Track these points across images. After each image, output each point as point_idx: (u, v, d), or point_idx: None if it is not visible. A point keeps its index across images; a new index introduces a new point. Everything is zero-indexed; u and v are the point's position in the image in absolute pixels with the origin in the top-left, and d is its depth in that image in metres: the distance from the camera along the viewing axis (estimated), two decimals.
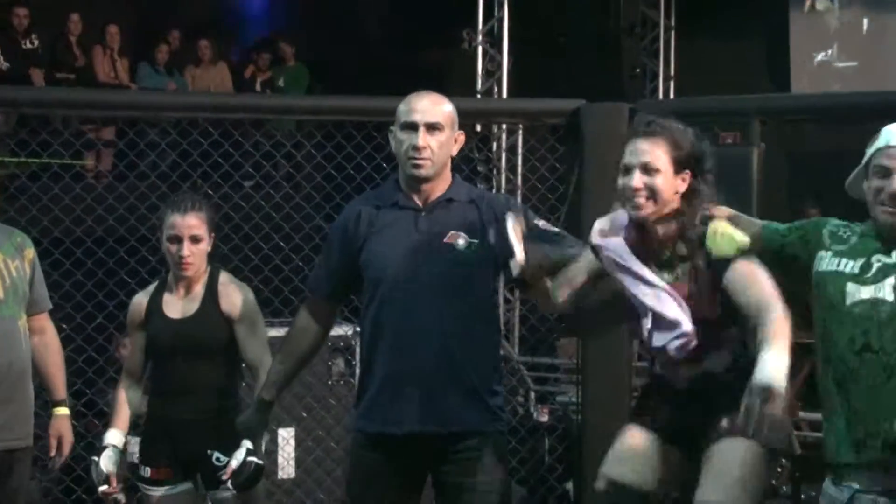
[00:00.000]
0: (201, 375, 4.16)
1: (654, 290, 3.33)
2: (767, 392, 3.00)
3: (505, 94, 10.73)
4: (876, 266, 3.19)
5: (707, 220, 3.33)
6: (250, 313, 4.22)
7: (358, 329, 6.03)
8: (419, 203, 3.66)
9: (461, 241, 3.62)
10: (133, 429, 4.36)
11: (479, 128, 9.66)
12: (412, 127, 3.60)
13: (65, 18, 11.43)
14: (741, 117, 5.11)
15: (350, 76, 11.52)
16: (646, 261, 3.37)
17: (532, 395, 8.66)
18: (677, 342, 3.32)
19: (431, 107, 3.63)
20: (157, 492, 4.20)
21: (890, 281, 3.15)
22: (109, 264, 5.86)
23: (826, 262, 3.26)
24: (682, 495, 3.53)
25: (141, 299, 4.30)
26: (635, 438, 3.45)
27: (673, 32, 11.49)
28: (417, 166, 3.60)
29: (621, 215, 3.42)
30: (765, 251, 3.36)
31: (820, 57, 10.78)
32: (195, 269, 4.18)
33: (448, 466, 3.64)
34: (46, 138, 6.59)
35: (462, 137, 3.72)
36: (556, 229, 3.73)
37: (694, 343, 3.31)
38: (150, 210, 4.29)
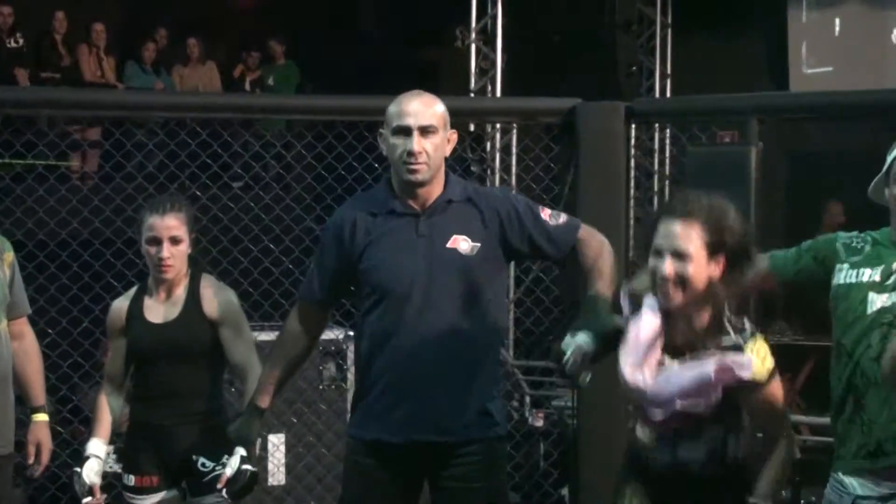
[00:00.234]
0: (185, 380, 4.15)
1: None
2: None
3: (499, 93, 10.72)
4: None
5: (739, 330, 3.20)
6: (234, 316, 4.21)
7: (350, 333, 6.09)
8: (417, 207, 3.64)
9: (464, 245, 3.61)
10: (113, 438, 4.32)
11: (472, 127, 9.67)
12: (405, 131, 3.58)
13: (50, 17, 11.42)
14: (739, 116, 5.11)
15: (341, 75, 11.50)
16: (672, 351, 3.26)
17: (527, 399, 8.65)
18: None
19: (424, 109, 3.60)
20: (144, 500, 4.18)
21: None
22: (95, 267, 5.86)
23: (845, 274, 3.30)
24: None
25: (121, 304, 4.27)
26: None
27: (669, 30, 11.48)
28: (414, 171, 3.58)
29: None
30: (781, 281, 3.40)
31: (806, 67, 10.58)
32: (175, 272, 4.16)
33: (447, 472, 3.64)
34: (31, 139, 6.58)
35: (455, 137, 3.71)
36: (564, 219, 3.71)
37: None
38: (137, 212, 4.27)
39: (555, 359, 3.40)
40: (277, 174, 8.78)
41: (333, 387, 6.15)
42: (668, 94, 11.38)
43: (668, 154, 10.51)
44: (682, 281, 3.16)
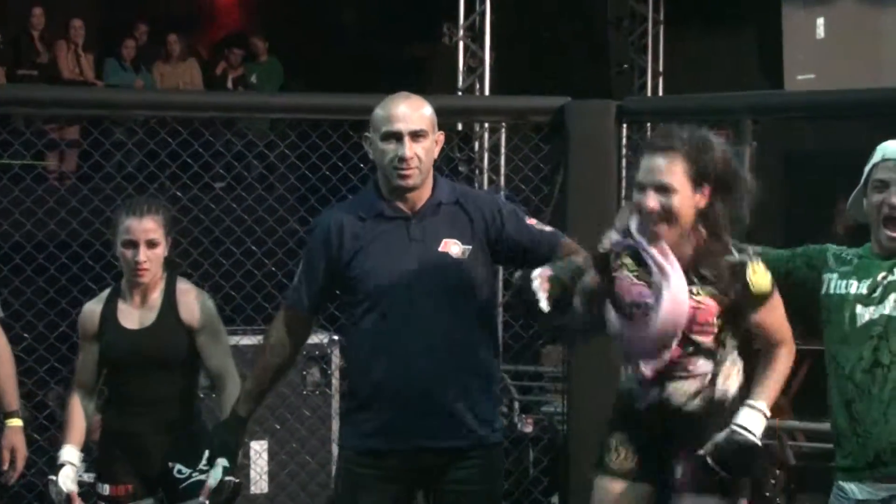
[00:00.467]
0: (161, 387, 4.14)
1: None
2: (747, 451, 3.22)
3: (487, 92, 10.72)
4: (882, 285, 3.31)
5: (742, 249, 3.31)
6: (211, 321, 4.20)
7: (335, 337, 6.08)
8: (407, 211, 3.65)
9: (455, 249, 3.63)
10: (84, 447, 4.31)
11: (460, 126, 9.66)
12: (396, 137, 3.58)
13: (27, 12, 11.41)
14: (733, 115, 5.12)
15: (325, 72, 11.49)
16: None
17: (516, 405, 8.66)
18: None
19: (412, 112, 3.60)
20: None
21: (894, 296, 3.29)
22: (73, 270, 5.84)
23: (834, 283, 3.39)
24: None
25: (93, 308, 4.25)
26: (610, 495, 3.47)
27: (662, 27, 11.50)
28: (406, 177, 3.59)
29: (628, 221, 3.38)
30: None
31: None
32: (151, 276, 4.15)
33: (444, 479, 3.66)
34: (7, 138, 6.56)
35: (442, 138, 3.72)
36: (548, 228, 3.75)
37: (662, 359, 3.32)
38: (113, 213, 4.25)
39: (522, 296, 3.38)
40: (260, 174, 8.78)
41: (317, 392, 6.15)
42: (661, 93, 11.39)
43: None
44: (667, 214, 3.24)
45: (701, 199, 3.27)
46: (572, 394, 5.01)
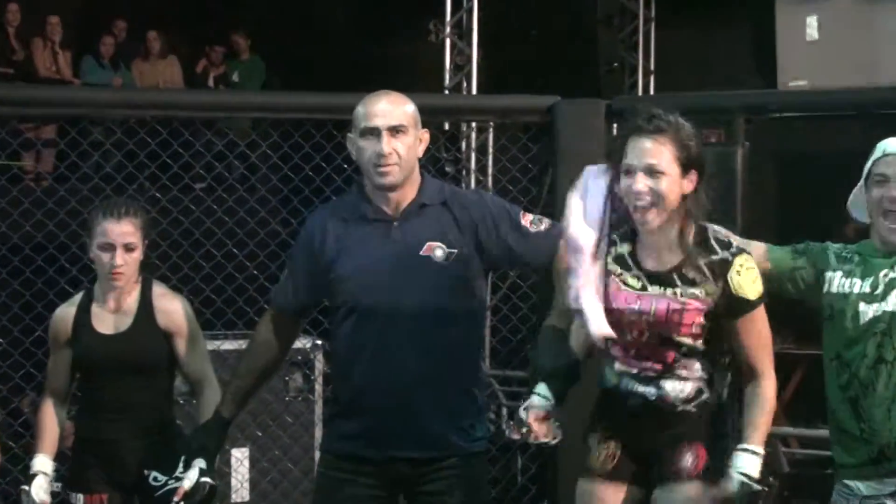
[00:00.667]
0: (136, 393, 4.14)
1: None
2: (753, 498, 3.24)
3: (474, 90, 10.72)
4: (884, 282, 3.37)
5: (726, 245, 3.33)
6: (189, 326, 4.20)
7: (318, 342, 6.08)
8: (390, 212, 3.64)
9: (439, 252, 3.62)
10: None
11: (446, 126, 9.65)
12: (374, 133, 3.58)
13: (2, 9, 11.39)
14: (725, 115, 5.13)
15: (308, 71, 11.49)
16: (649, 278, 3.37)
17: (504, 411, 8.65)
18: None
19: (392, 108, 3.60)
20: None
21: None
22: (49, 273, 5.82)
23: (837, 282, 3.44)
24: None
25: (66, 312, 4.24)
26: (593, 498, 3.49)
27: (653, 24, 11.50)
28: (385, 174, 3.58)
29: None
30: (773, 273, 3.48)
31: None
32: (127, 280, 4.14)
33: (425, 489, 3.66)
34: None
35: (427, 136, 3.71)
36: (544, 226, 3.72)
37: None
38: (88, 214, 4.24)
39: (518, 432, 3.44)
40: (242, 175, 8.78)
41: (300, 398, 6.14)
42: (652, 92, 11.39)
43: None
44: (656, 197, 3.26)
45: (688, 184, 3.31)
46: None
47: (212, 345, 5.50)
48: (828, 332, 3.45)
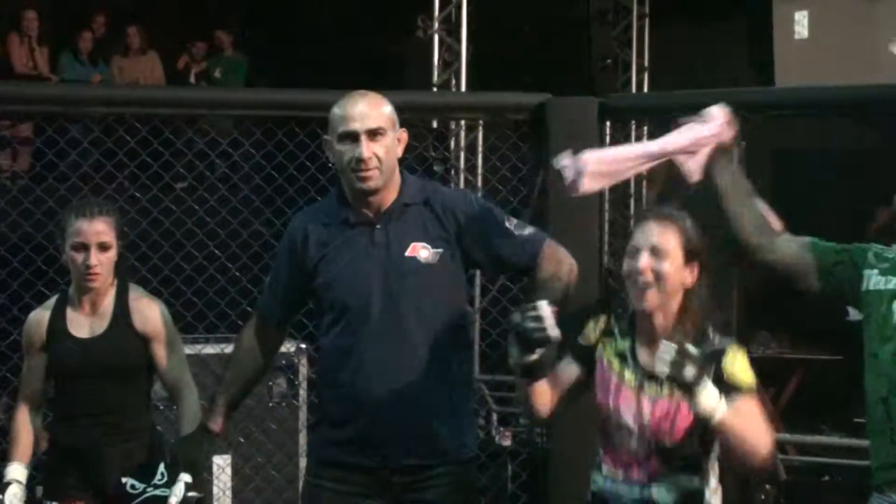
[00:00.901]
0: (113, 398, 4.13)
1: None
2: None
3: (463, 88, 10.72)
4: None
5: (723, 340, 3.33)
6: (166, 330, 4.20)
7: (302, 346, 6.07)
8: (371, 215, 3.64)
9: (424, 253, 3.62)
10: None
11: (435, 124, 9.66)
12: (352, 137, 3.57)
13: None
14: None
15: (293, 67, 11.49)
16: (643, 373, 3.36)
17: (493, 417, 8.66)
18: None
19: (369, 110, 3.59)
20: None
21: None
22: (26, 275, 5.81)
23: (874, 280, 3.46)
24: None
25: (40, 316, 4.24)
26: None
27: (647, 20, 11.53)
28: (365, 179, 3.58)
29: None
30: (814, 267, 3.51)
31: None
32: (102, 281, 4.14)
33: (414, 496, 3.65)
34: None
35: (405, 136, 3.70)
36: (529, 231, 3.72)
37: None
38: (61, 215, 4.23)
39: (528, 325, 3.34)
40: (224, 174, 8.76)
41: (284, 404, 6.14)
42: (646, 90, 11.43)
43: None
44: (658, 277, 3.31)
45: (689, 276, 3.37)
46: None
47: (193, 349, 5.51)
48: (865, 331, 3.48)
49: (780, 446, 6.90)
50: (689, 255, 3.36)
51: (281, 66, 11.94)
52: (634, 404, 3.35)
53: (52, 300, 4.27)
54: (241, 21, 13.00)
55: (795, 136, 9.77)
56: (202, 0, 13.75)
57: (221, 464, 5.84)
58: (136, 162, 6.10)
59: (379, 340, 3.58)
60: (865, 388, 3.46)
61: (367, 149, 3.55)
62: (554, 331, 3.31)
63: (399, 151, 3.67)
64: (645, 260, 3.32)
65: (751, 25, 11.24)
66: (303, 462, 5.54)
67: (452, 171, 10.21)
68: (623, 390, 3.38)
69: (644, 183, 10.31)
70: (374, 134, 3.57)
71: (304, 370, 6.18)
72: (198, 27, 13.13)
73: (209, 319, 5.82)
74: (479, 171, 10.10)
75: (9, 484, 4.12)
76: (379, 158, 3.57)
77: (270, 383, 6.05)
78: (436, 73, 10.83)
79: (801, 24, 10.01)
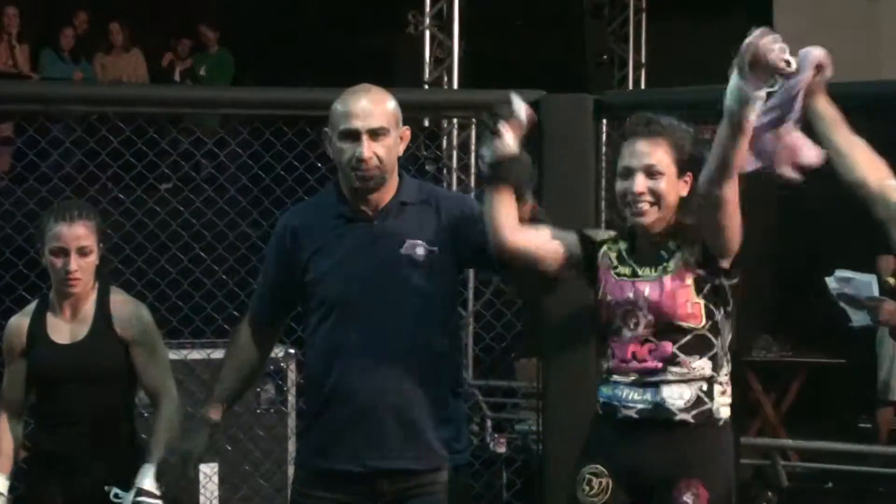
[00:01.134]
0: (95, 405, 4.12)
1: None
2: None
3: (455, 85, 10.74)
4: None
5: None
6: (148, 334, 4.19)
7: (290, 351, 6.07)
8: (368, 212, 3.64)
9: (420, 251, 3.61)
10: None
11: (426, 122, 9.66)
12: (353, 135, 3.56)
13: None
14: (719, 109, 5.13)
15: (280, 64, 11.49)
16: (636, 263, 3.46)
17: (488, 423, 8.66)
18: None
19: (372, 108, 3.57)
20: None
21: None
22: (6, 279, 5.81)
23: None
24: None
25: (19, 322, 4.22)
26: None
27: (644, 14, 11.55)
28: (366, 179, 3.57)
29: None
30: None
31: None
32: (83, 286, 4.13)
33: (404, 503, 3.64)
34: None
35: (408, 134, 3.70)
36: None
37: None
38: (39, 219, 4.22)
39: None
40: (210, 174, 8.75)
41: (272, 410, 6.13)
42: (643, 86, 11.44)
43: None
44: (655, 197, 3.41)
45: (683, 187, 3.44)
46: (548, 410, 5.01)
47: (178, 354, 5.50)
48: None
49: (782, 452, 6.93)
50: (682, 167, 3.43)
51: (268, 63, 11.94)
52: (634, 290, 3.42)
53: (32, 305, 4.26)
54: (226, 17, 12.97)
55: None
56: None
57: (208, 472, 5.83)
58: (120, 162, 6.09)
59: (369, 340, 3.56)
60: None
61: (368, 149, 3.54)
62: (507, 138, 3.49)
63: (400, 150, 3.66)
64: (641, 182, 3.41)
65: (750, 21, 11.23)
66: (291, 470, 5.54)
67: (445, 171, 10.22)
68: (623, 281, 3.46)
69: None
70: (376, 133, 3.55)
71: (292, 376, 6.18)
72: (182, 24, 13.12)
73: (195, 324, 5.81)
74: (472, 170, 10.11)
75: None
76: (380, 158, 3.56)
77: (258, 389, 6.04)
78: (427, 70, 10.85)
79: (802, 21, 10.04)
